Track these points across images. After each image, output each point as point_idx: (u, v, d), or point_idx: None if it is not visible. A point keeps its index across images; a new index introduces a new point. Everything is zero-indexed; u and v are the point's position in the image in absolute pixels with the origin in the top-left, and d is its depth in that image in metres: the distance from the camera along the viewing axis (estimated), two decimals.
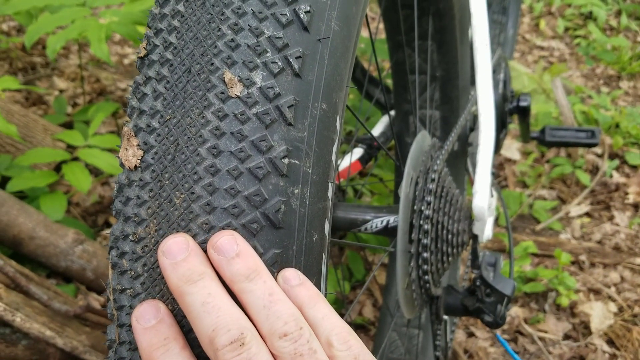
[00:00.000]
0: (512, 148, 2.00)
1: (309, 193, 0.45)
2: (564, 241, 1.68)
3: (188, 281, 0.39)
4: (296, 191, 0.44)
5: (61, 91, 2.21)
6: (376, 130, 1.28)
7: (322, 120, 0.46)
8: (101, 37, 1.49)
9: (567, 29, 2.81)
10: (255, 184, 0.42)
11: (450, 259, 0.85)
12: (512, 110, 1.40)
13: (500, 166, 1.96)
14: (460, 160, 1.26)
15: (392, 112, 1.28)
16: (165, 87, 0.44)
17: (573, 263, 1.62)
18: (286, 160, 0.43)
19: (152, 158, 0.43)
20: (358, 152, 1.22)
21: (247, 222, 0.42)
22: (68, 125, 1.96)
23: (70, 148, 1.61)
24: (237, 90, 0.43)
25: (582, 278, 1.57)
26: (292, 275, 0.42)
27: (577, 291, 1.53)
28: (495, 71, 1.35)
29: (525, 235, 1.69)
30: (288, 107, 0.43)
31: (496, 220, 1.76)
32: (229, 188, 0.41)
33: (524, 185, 1.90)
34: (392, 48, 1.16)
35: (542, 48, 2.67)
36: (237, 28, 0.44)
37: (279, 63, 0.44)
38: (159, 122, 0.44)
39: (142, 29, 1.64)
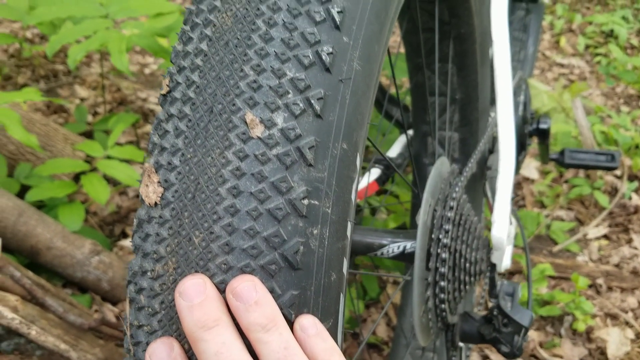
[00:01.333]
0: (530, 167, 1.99)
1: (328, 233, 0.45)
2: (581, 264, 1.66)
3: (203, 327, 0.39)
4: (315, 232, 0.44)
5: (82, 99, 2.24)
6: (394, 151, 1.27)
7: (342, 160, 0.46)
8: (122, 49, 1.50)
9: (587, 47, 2.79)
10: (274, 225, 0.42)
11: (467, 287, 0.85)
12: (531, 132, 1.39)
13: (518, 185, 1.94)
14: (479, 183, 1.25)
15: (410, 132, 1.27)
16: (187, 126, 0.45)
17: (590, 286, 1.60)
18: (306, 201, 0.43)
19: (172, 196, 0.43)
20: (375, 172, 1.22)
21: (265, 263, 0.42)
22: (88, 134, 1.98)
23: (90, 158, 1.63)
24: (258, 131, 0.43)
25: (599, 302, 1.55)
26: (309, 323, 0.42)
27: (593, 316, 1.51)
28: (515, 93, 1.35)
29: (542, 257, 1.67)
30: (309, 148, 0.43)
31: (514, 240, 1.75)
32: (248, 229, 0.42)
33: (542, 205, 1.88)
34: (412, 70, 1.16)
35: (562, 65, 2.65)
36: (260, 69, 0.44)
37: (301, 104, 0.44)
38: (180, 160, 0.44)
39: (163, 41, 1.66)
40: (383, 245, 0.92)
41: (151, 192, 0.44)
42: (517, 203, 1.88)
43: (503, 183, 0.86)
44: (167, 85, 0.47)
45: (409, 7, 1.03)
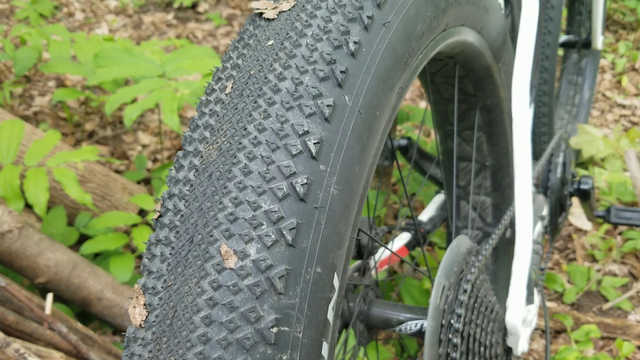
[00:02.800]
0: (583, 218, 1.93)
1: (299, 357, 0.47)
2: (632, 324, 1.59)
3: None
4: (285, 357, 0.46)
5: (144, 146, 2.36)
6: (425, 214, 1.28)
7: (315, 284, 0.49)
8: (173, 108, 1.59)
9: None
10: (242, 353, 0.45)
11: None
12: (572, 193, 1.36)
13: (568, 237, 1.89)
14: (513, 248, 1.24)
15: (443, 195, 1.28)
16: (170, 253, 0.49)
17: None
18: (275, 329, 0.46)
19: (153, 320, 0.47)
20: (405, 237, 1.23)
21: None
22: (147, 181, 2.09)
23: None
24: (232, 262, 0.46)
25: None
26: None
27: None
28: (554, 154, 1.33)
29: (590, 315, 1.61)
30: (279, 278, 0.46)
31: (561, 296, 1.70)
32: (217, 358, 0.45)
33: (593, 259, 1.82)
34: (441, 136, 1.17)
35: (623, 106, 2.57)
36: (237, 202, 0.48)
37: (273, 236, 0.47)
38: (162, 286, 0.48)
39: None
40: (401, 322, 0.93)
41: (137, 313, 0.48)
42: (567, 257, 1.83)
43: (519, 267, 0.85)
44: (158, 211, 0.51)
45: (433, 81, 1.05)
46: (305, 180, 0.49)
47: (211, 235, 0.47)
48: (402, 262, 1.67)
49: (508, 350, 0.87)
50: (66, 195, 1.68)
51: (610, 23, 3.20)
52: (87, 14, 3.44)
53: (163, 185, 1.75)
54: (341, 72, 0.52)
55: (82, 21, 3.37)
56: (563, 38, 2.02)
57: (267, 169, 0.48)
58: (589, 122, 2.37)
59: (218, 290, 0.46)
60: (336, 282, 0.52)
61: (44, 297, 1.28)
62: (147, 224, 1.58)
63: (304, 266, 0.48)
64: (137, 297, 0.49)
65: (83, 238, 1.64)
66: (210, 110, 0.53)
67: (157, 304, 0.48)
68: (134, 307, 0.49)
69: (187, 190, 0.50)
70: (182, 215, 0.49)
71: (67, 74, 2.75)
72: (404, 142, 1.39)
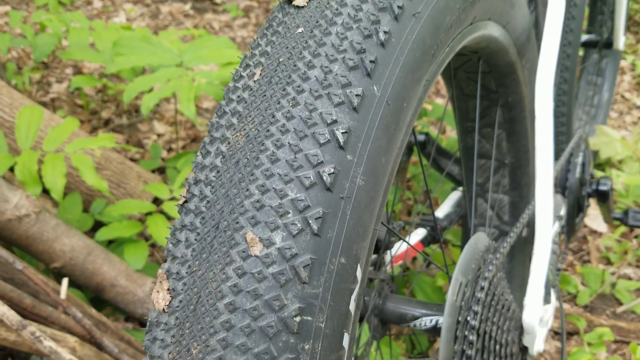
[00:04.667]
0: (599, 220, 1.91)
1: (321, 347, 0.47)
2: None
3: None
4: (307, 347, 0.46)
5: (159, 135, 2.37)
6: (441, 211, 1.27)
7: (339, 274, 0.49)
8: (190, 97, 1.59)
9: None
10: (265, 341, 0.45)
11: None
12: (590, 194, 1.35)
13: (583, 239, 1.87)
14: (529, 247, 1.23)
15: (459, 192, 1.27)
16: (195, 238, 0.49)
17: None
18: (298, 318, 0.46)
19: (177, 305, 0.47)
20: (421, 232, 1.22)
21: None
22: (161, 170, 2.09)
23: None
24: (257, 249, 0.46)
25: None
26: None
27: None
28: (573, 154, 1.32)
29: (603, 318, 1.60)
30: (303, 267, 0.46)
31: (574, 298, 1.69)
32: (240, 344, 0.45)
33: (608, 262, 1.80)
34: (461, 133, 1.16)
35: None
36: (264, 189, 0.47)
37: (299, 224, 0.47)
38: (186, 271, 0.48)
39: None
40: (416, 317, 0.92)
41: (161, 298, 0.48)
42: (582, 258, 1.81)
43: (537, 264, 0.85)
44: (183, 196, 0.51)
45: (456, 77, 1.04)
46: (332, 170, 0.48)
47: (237, 222, 0.47)
48: (415, 259, 1.67)
49: (524, 350, 0.86)
50: (82, 182, 1.69)
51: (631, 24, 3.17)
52: (105, 3, 3.45)
53: (177, 175, 1.75)
54: (370, 61, 0.52)
55: (100, 10, 3.38)
56: (584, 37, 2.00)
57: (295, 157, 0.48)
58: (607, 123, 2.34)
59: (242, 277, 0.46)
60: (359, 273, 0.51)
61: (58, 282, 1.29)
62: (162, 212, 1.58)
63: (328, 256, 0.48)
64: (160, 281, 0.49)
65: (97, 225, 1.65)
66: (238, 97, 0.53)
67: (181, 289, 0.48)
68: (158, 291, 0.49)
69: (213, 176, 0.50)
70: (208, 202, 0.49)
71: (85, 62, 2.76)
72: (422, 137, 1.39)
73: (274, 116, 0.50)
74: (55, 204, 1.63)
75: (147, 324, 0.49)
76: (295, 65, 0.51)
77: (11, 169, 1.54)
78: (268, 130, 0.49)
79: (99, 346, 1.17)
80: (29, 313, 1.13)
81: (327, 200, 0.48)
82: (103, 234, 1.48)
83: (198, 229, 0.49)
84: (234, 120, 0.52)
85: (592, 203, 1.94)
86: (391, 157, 0.55)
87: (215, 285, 0.46)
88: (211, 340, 0.45)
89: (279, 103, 0.50)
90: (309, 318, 0.46)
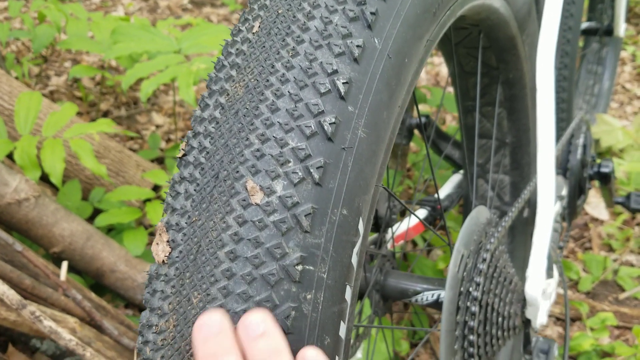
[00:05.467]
0: (600, 207, 1.91)
1: (323, 297, 0.47)
2: None
3: (213, 356, 0.42)
4: (309, 296, 0.46)
5: (158, 126, 2.36)
6: (442, 192, 1.27)
7: (341, 226, 0.48)
8: (189, 82, 1.58)
9: None
10: (267, 289, 0.44)
11: (500, 342, 0.83)
12: (592, 176, 1.34)
13: (585, 226, 1.87)
14: (530, 227, 1.22)
15: (462, 172, 1.26)
16: (195, 189, 0.48)
17: None
18: (300, 267, 0.45)
19: (177, 256, 0.47)
20: (422, 213, 1.21)
21: None
22: (160, 160, 2.09)
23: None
24: (257, 198, 0.45)
25: None
26: (312, 356, 0.44)
27: None
28: (574, 135, 1.31)
29: (606, 304, 1.59)
30: (305, 216, 0.46)
31: (576, 284, 1.68)
32: (241, 293, 0.44)
33: (610, 249, 1.80)
34: (462, 112, 1.16)
35: None
36: (264, 138, 0.47)
37: (300, 173, 0.46)
38: (186, 222, 0.47)
39: None
40: (417, 292, 0.92)
41: (160, 250, 0.48)
42: (583, 245, 1.80)
43: (540, 237, 0.84)
44: (182, 149, 0.51)
45: (456, 53, 1.03)
46: (333, 120, 0.48)
47: (237, 171, 0.47)
48: (415, 244, 1.66)
49: (527, 323, 0.86)
50: (81, 170, 1.68)
51: (631, 15, 3.16)
52: None
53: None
54: (371, 13, 0.51)
55: (98, 4, 3.37)
56: (585, 25, 1.99)
57: (295, 107, 0.48)
58: (608, 113, 2.34)
59: (243, 226, 0.45)
60: (361, 227, 0.51)
61: (58, 268, 1.28)
62: (161, 199, 1.57)
63: (330, 206, 0.47)
64: (160, 234, 0.48)
65: (97, 214, 1.64)
66: (237, 49, 0.52)
67: (181, 240, 0.47)
68: (157, 244, 0.48)
69: (212, 127, 0.49)
70: (208, 152, 0.49)
71: (84, 55, 2.76)
72: (422, 120, 1.38)
73: (273, 66, 0.49)
74: (54, 191, 1.63)
75: (147, 278, 0.48)
76: (294, 17, 0.51)
77: (11, 157, 1.53)
78: (267, 81, 0.49)
79: (99, 328, 1.16)
80: (28, 294, 1.12)
81: (329, 150, 0.48)
82: (102, 219, 1.48)
83: (197, 180, 0.48)
84: (233, 73, 0.51)
85: (593, 191, 1.93)
86: (393, 113, 0.54)
87: (216, 234, 0.46)
88: (212, 289, 0.44)
89: (278, 54, 0.50)
90: (311, 267, 0.46)
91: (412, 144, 2.01)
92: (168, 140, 2.26)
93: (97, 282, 1.45)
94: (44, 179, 1.55)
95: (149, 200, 1.57)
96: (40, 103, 1.49)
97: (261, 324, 0.43)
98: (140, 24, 1.90)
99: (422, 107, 1.96)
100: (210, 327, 0.43)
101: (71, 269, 1.39)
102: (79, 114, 2.31)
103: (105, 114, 2.39)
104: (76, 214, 1.48)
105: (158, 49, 1.73)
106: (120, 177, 1.75)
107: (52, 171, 1.36)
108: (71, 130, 1.47)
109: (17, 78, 2.17)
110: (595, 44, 2.23)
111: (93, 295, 1.30)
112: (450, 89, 2.13)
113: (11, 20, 2.88)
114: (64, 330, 1.04)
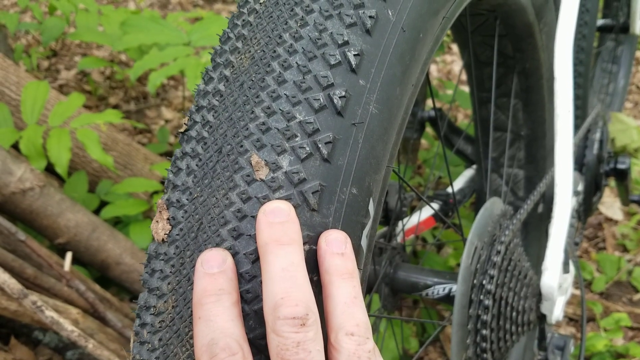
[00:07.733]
0: (614, 207, 1.87)
1: None
2: None
3: (277, 241, 0.40)
4: (315, 278, 0.43)
5: (167, 121, 2.35)
6: (456, 185, 1.24)
7: (350, 206, 0.45)
8: (197, 74, 1.56)
9: None
10: None
11: (513, 337, 0.80)
12: (608, 172, 1.31)
13: (598, 226, 1.83)
14: (545, 223, 1.19)
15: (475, 167, 1.23)
16: (197, 165, 0.45)
17: None
18: (306, 247, 0.42)
19: (177, 234, 0.44)
20: (434, 207, 1.18)
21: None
22: (169, 154, 2.07)
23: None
24: (262, 173, 0.43)
25: None
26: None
27: None
28: (591, 130, 1.28)
29: (620, 305, 1.56)
30: (312, 193, 0.43)
31: (590, 284, 1.64)
32: (244, 272, 0.42)
33: (624, 249, 1.76)
34: (477, 103, 1.13)
35: None
36: (270, 111, 0.44)
37: (307, 148, 0.44)
38: (187, 199, 0.45)
39: None
40: (428, 286, 0.89)
41: (160, 228, 0.45)
42: (597, 245, 1.77)
43: (557, 229, 0.81)
44: (185, 124, 0.48)
45: (472, 41, 1.00)
46: (343, 93, 0.45)
47: (241, 146, 0.44)
48: (425, 242, 1.63)
49: (542, 318, 0.83)
50: (89, 163, 1.66)
51: None
52: None
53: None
54: None
55: (110, 0, 3.37)
56: (600, 22, 1.95)
57: (303, 79, 0.45)
58: (623, 112, 2.29)
59: (247, 202, 0.43)
60: (371, 208, 0.48)
61: (63, 259, 1.26)
62: None
63: (339, 185, 0.45)
64: (160, 212, 0.46)
65: (103, 206, 1.62)
66: (243, 20, 0.50)
67: (182, 217, 0.45)
68: (157, 222, 0.46)
69: (216, 101, 0.47)
70: (211, 127, 0.46)
71: (94, 50, 2.75)
72: (435, 113, 1.35)
73: (280, 37, 0.47)
74: (61, 184, 1.61)
75: (146, 257, 0.46)
76: None
77: (16, 147, 1.52)
78: (275, 52, 0.46)
79: (103, 320, 1.14)
80: (30, 284, 1.11)
81: (338, 125, 0.45)
82: (109, 211, 1.46)
83: (200, 155, 0.46)
84: (239, 44, 0.49)
85: (607, 190, 1.89)
86: (406, 90, 0.52)
87: (218, 211, 0.43)
88: None
89: (286, 24, 0.47)
90: None
91: (423, 141, 1.99)
92: (177, 136, 2.25)
93: (103, 275, 1.43)
94: (52, 171, 1.54)
95: (156, 192, 1.55)
96: (47, 92, 1.47)
97: (343, 245, 0.43)
98: (150, 16, 1.88)
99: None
100: (279, 215, 0.41)
101: (76, 260, 1.37)
102: (88, 107, 2.30)
103: (115, 108, 2.38)
104: (82, 205, 1.46)
105: (167, 41, 1.71)
106: (127, 169, 1.73)
107: (58, 161, 1.34)
108: (78, 119, 1.45)
109: (26, 71, 2.16)
110: (610, 42, 2.19)
111: (97, 286, 1.28)
112: (462, 87, 2.10)
113: (22, 15, 2.88)
114: (66, 321, 1.02)
